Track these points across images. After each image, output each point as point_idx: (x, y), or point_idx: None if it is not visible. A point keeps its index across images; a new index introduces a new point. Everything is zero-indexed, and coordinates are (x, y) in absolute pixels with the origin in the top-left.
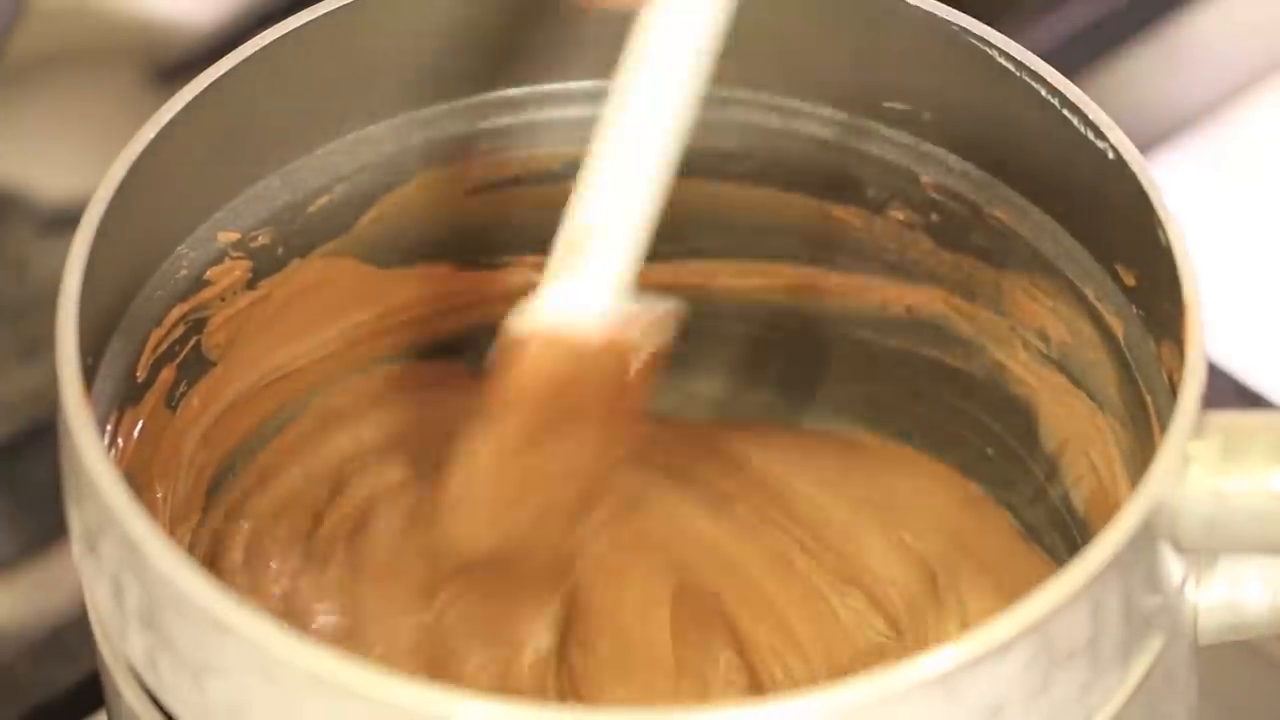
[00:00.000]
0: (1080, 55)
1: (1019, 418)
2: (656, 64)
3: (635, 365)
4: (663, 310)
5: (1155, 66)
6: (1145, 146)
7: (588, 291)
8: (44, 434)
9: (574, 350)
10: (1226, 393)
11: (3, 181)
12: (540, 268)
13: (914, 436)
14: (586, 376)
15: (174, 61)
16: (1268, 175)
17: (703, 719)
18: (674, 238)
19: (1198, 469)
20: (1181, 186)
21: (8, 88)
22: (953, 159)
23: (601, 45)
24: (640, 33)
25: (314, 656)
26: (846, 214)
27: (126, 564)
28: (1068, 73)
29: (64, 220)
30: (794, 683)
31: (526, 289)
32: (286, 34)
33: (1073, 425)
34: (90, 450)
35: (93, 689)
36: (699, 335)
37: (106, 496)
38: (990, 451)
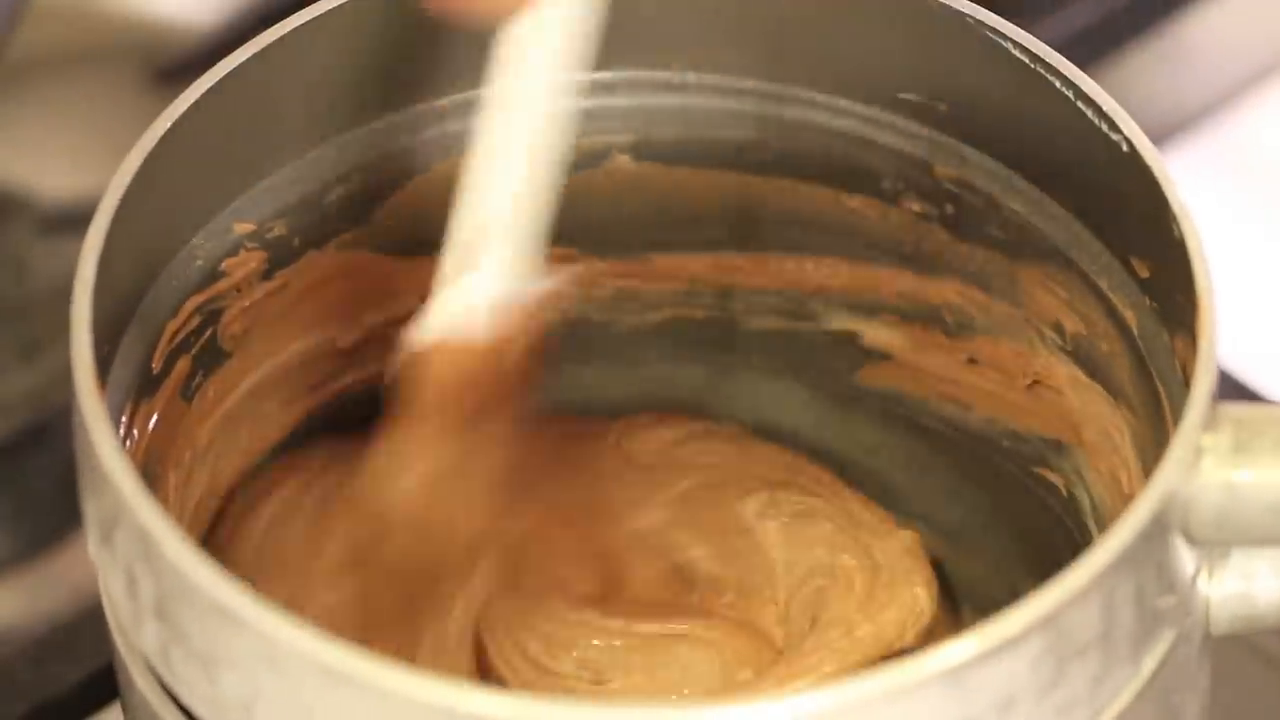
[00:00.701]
0: (1082, 55)
1: None
2: (522, 69)
3: (511, 357)
4: (538, 294)
5: (1156, 66)
6: None
7: (475, 290)
8: (44, 434)
9: (466, 353)
10: (1227, 392)
11: (3, 181)
12: (556, 258)
13: None
14: (479, 376)
15: (174, 61)
16: (1268, 175)
17: (713, 714)
18: (688, 229)
19: (1210, 461)
20: (1182, 186)
21: (8, 88)
22: (967, 150)
23: (614, 36)
24: (507, 43)
25: (324, 648)
26: (861, 205)
27: (140, 556)
28: None
29: (64, 220)
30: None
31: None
32: (303, 25)
33: (1086, 416)
34: (105, 442)
35: (94, 688)
36: (712, 325)
37: (120, 488)
38: (1006, 443)
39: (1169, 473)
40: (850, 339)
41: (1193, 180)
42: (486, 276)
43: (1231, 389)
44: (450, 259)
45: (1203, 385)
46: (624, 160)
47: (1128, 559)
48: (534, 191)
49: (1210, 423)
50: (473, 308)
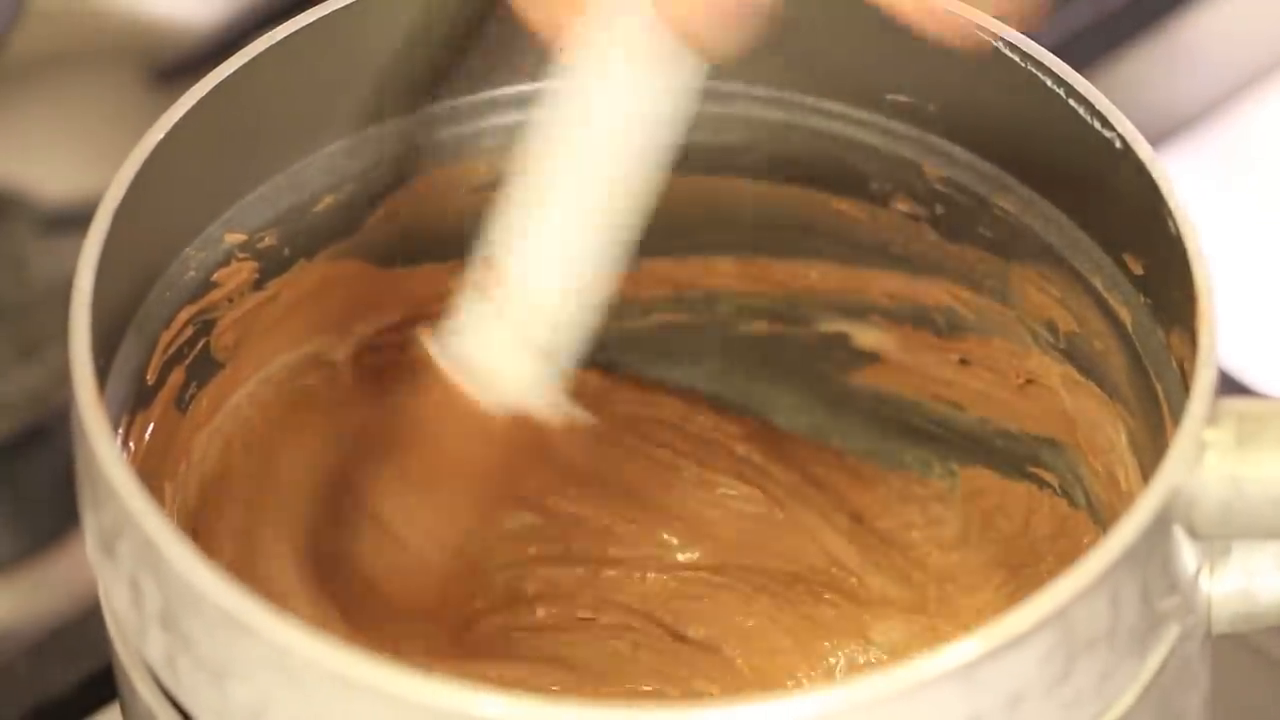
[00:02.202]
0: (1081, 55)
1: None
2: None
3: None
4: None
5: (1156, 66)
6: None
7: (513, 354)
8: (44, 434)
9: (485, 424)
10: (1223, 391)
11: (3, 181)
12: None
13: None
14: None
15: (173, 62)
16: (1268, 175)
17: (717, 714)
18: (676, 234)
19: (1214, 455)
20: (1181, 186)
21: (8, 88)
22: (957, 150)
23: None
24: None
25: (337, 656)
26: (850, 207)
27: (145, 566)
28: None
29: (64, 220)
30: None
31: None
32: (291, 35)
33: (1081, 414)
34: (107, 454)
35: (93, 688)
36: (699, 331)
37: (125, 500)
38: (1000, 442)
39: (1173, 467)
40: (840, 341)
41: (1192, 180)
42: (533, 349)
43: (1230, 389)
44: (491, 287)
45: (1204, 379)
46: None
47: (1133, 554)
48: (596, 285)
49: (1213, 417)
50: (505, 371)
